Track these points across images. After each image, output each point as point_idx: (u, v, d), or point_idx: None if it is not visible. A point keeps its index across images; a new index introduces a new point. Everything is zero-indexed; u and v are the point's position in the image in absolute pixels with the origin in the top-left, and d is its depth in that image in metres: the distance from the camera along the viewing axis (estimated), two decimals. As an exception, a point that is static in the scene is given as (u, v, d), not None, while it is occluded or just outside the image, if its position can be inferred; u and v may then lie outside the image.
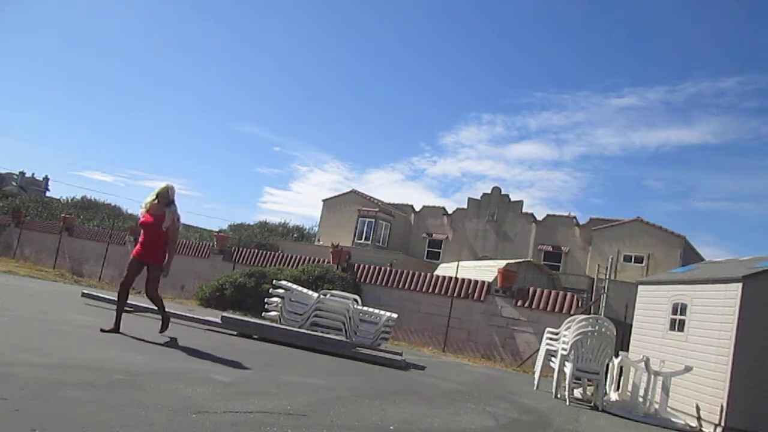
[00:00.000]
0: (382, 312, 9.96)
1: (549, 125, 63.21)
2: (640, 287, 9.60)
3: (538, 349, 9.68)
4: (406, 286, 14.35)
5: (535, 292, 12.95)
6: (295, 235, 38.44)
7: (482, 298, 13.32)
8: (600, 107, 62.11)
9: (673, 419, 7.25)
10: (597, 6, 69.44)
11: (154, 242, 6.56)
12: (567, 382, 7.63)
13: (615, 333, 7.85)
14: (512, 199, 29.86)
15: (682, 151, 59.29)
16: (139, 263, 6.59)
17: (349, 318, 9.64)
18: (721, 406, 6.72)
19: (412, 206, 32.38)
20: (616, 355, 8.42)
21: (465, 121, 67.32)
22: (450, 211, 31.05)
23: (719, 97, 56.60)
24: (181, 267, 17.82)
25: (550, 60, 72.01)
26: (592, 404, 7.65)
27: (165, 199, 6.56)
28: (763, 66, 59.33)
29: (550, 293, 12.85)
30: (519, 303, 12.85)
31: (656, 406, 7.49)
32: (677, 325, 8.01)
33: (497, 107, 70.78)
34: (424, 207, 32.08)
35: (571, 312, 11.78)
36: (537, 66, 73.12)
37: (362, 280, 14.89)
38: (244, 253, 17.62)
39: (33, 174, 50.30)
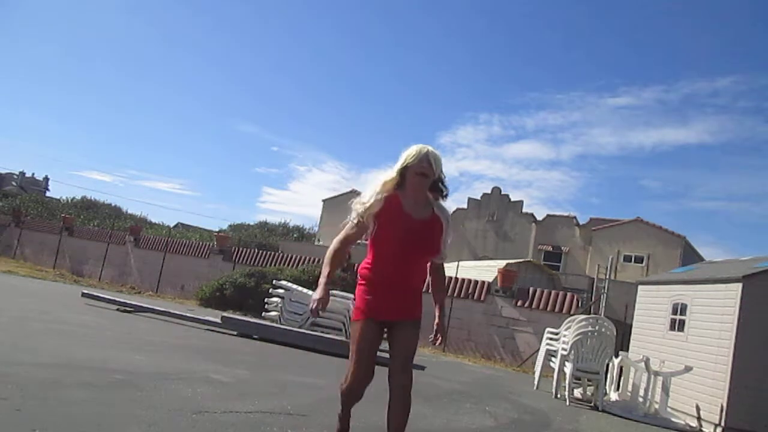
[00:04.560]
0: (382, 312, 9.95)
1: (545, 125, 63.00)
2: (640, 287, 9.60)
3: (538, 349, 9.68)
4: (406, 286, 14.32)
5: (535, 292, 12.95)
6: (295, 235, 38.38)
7: (482, 298, 13.31)
8: (596, 107, 62.04)
9: (673, 419, 7.25)
10: (592, 6, 69.34)
11: (412, 279, 2.94)
12: (567, 382, 7.63)
13: (615, 333, 7.85)
14: (512, 199, 29.85)
15: (678, 151, 59.05)
16: (381, 327, 2.85)
17: (349, 318, 9.64)
18: (721, 406, 6.72)
19: (412, 206, 32.33)
20: (616, 355, 8.41)
21: (462, 120, 67.10)
22: (450, 211, 31.01)
23: (715, 97, 56.52)
24: (181, 267, 17.90)
25: (545, 59, 71.74)
26: (592, 404, 7.64)
27: (429, 179, 2.95)
28: (759, 65, 59.21)
29: (550, 293, 12.85)
30: (519, 303, 12.84)
31: (656, 406, 7.48)
32: (677, 325, 8.00)
33: (494, 106, 70.54)
34: (424, 207, 32.03)
35: (571, 312, 11.77)
36: (533, 65, 72.84)
37: (362, 280, 14.86)
38: (244, 253, 17.61)
39: (33, 174, 50.24)
